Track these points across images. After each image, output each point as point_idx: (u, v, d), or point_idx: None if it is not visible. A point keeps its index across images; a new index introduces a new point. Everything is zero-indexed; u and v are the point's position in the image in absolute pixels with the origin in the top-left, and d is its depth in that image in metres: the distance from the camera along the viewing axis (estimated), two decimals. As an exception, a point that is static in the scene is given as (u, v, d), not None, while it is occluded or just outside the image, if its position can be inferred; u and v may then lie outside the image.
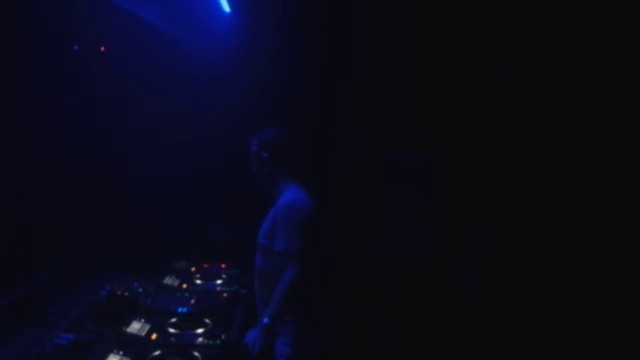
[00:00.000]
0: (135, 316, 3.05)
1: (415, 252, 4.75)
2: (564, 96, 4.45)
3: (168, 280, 3.65)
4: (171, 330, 2.96)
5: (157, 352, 2.74)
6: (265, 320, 2.88)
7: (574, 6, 4.22)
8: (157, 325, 3.00)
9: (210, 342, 2.87)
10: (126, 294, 3.23)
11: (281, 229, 2.95)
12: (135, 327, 2.96)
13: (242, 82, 4.63)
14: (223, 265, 3.97)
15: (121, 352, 2.71)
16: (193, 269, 3.91)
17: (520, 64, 4.47)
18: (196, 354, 2.75)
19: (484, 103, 4.61)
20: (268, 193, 3.14)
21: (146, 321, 3.02)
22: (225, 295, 3.49)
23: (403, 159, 4.83)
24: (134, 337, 2.88)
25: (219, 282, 3.69)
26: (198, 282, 3.69)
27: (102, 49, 4.34)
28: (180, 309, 3.22)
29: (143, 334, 2.92)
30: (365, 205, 4.73)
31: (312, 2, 4.61)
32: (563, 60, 4.39)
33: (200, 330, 2.96)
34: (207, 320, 3.07)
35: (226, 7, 4.20)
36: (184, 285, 3.62)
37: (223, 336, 2.94)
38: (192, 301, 3.34)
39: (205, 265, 3.96)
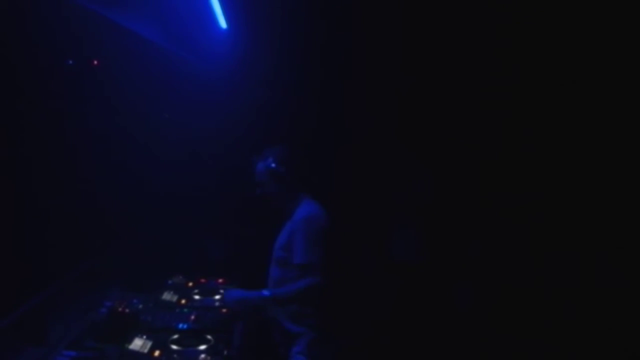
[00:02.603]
0: (137, 333, 3.05)
1: (410, 263, 4.78)
2: (553, 107, 4.51)
3: (167, 296, 3.65)
4: (174, 347, 2.96)
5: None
6: (266, 293, 3.00)
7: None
8: (159, 342, 2.99)
9: (213, 358, 2.86)
10: (127, 310, 3.22)
11: (300, 242, 3.00)
12: (138, 344, 2.95)
13: (238, 97, 4.65)
14: (220, 280, 3.97)
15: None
16: (190, 284, 3.91)
17: (513, 72, 4.53)
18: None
19: (480, 115, 4.67)
20: (283, 208, 3.20)
21: (148, 338, 3.02)
22: (224, 310, 3.48)
23: (398, 170, 4.88)
24: (136, 354, 2.87)
25: (217, 297, 3.69)
26: (196, 297, 3.69)
27: (96, 62, 4.34)
28: (181, 326, 3.22)
29: (146, 350, 2.91)
30: (360, 215, 4.76)
31: (307, 18, 4.65)
32: (556, 69, 4.45)
33: (202, 347, 2.96)
34: (208, 337, 3.07)
35: (223, 23, 4.23)
36: (183, 301, 3.62)
37: (225, 352, 2.94)
38: (192, 317, 3.34)
39: (203, 280, 3.96)
